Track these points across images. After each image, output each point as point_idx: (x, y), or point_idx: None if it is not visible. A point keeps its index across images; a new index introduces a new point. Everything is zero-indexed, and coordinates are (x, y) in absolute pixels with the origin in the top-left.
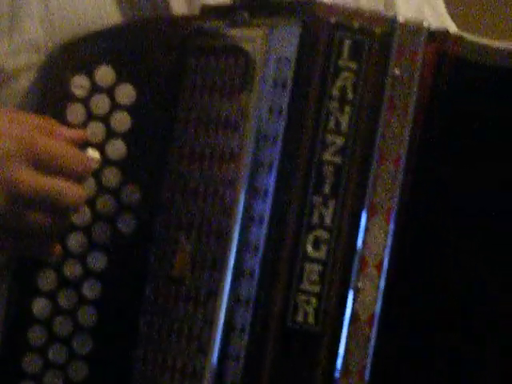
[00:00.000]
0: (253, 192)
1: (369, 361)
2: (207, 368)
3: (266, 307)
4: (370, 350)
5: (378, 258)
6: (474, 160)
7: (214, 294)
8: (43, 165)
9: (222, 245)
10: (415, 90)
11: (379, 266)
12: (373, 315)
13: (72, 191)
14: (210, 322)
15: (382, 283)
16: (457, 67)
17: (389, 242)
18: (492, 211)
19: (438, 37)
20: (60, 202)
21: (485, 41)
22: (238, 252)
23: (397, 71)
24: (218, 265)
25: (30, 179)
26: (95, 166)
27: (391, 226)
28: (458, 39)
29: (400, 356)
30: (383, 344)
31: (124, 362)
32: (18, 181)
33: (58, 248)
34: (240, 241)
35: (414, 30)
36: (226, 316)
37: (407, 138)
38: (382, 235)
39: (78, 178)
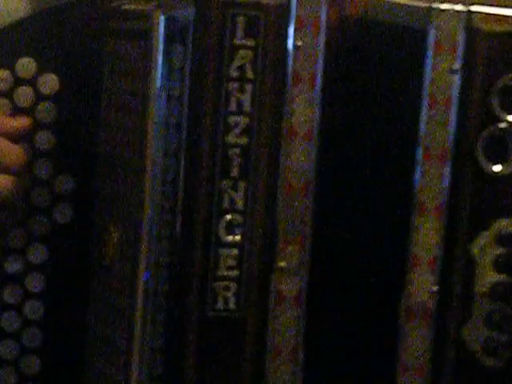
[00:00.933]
0: (161, 182)
1: (300, 339)
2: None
3: (183, 299)
4: (301, 328)
5: (300, 234)
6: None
7: (132, 287)
8: None
9: (139, 237)
10: (321, 59)
11: (302, 243)
12: (300, 292)
13: (12, 185)
14: (131, 316)
15: (306, 258)
16: (358, 28)
17: (308, 216)
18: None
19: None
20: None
21: None
22: (153, 243)
23: (299, 42)
24: (137, 257)
25: None
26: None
27: (309, 200)
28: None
29: (331, 328)
30: (312, 317)
31: (75, 353)
32: None
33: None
34: (154, 232)
35: None
36: (144, 311)
37: (317, 109)
38: (300, 211)
39: (13, 172)
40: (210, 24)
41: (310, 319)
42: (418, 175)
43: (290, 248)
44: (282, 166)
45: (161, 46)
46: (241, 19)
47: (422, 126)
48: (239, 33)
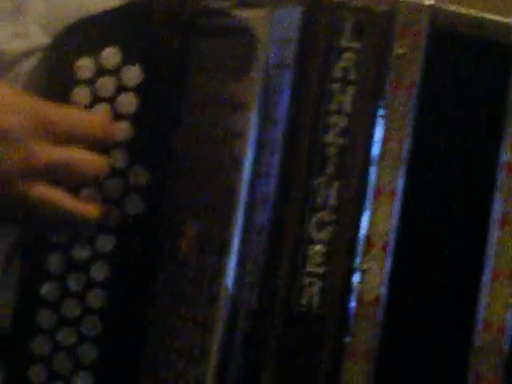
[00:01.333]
0: (256, 175)
1: (376, 343)
2: (212, 354)
3: (271, 291)
4: (377, 332)
5: (384, 239)
6: None
7: (218, 278)
8: (59, 136)
9: (227, 229)
10: (420, 68)
11: (385, 247)
12: (379, 296)
13: (92, 161)
14: (215, 307)
15: (388, 264)
16: (453, 42)
17: (394, 222)
18: None
19: (436, 13)
20: (80, 173)
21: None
22: (242, 235)
23: (400, 50)
24: (223, 249)
25: (47, 153)
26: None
27: (396, 207)
28: (455, 14)
29: (408, 336)
30: (390, 325)
31: (135, 345)
32: (35, 156)
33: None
34: (244, 224)
35: (416, 7)
36: (230, 302)
37: (412, 116)
38: (388, 216)
39: (101, 144)
40: (319, 24)
41: (388, 322)
42: None
43: (373, 251)
44: (374, 170)
45: (268, 44)
46: (349, 22)
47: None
48: (346, 35)
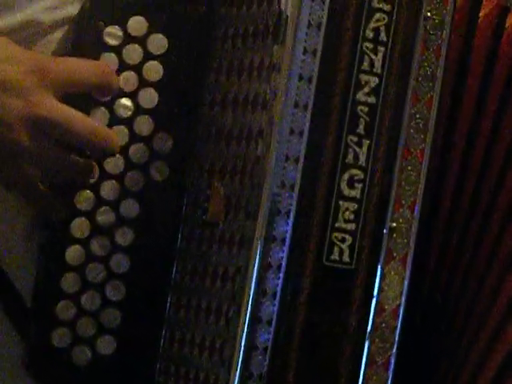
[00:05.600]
0: (288, 133)
1: (403, 300)
2: (243, 306)
3: (302, 245)
4: (404, 289)
5: (412, 199)
6: None
7: (249, 235)
8: (60, 85)
9: (256, 186)
10: (446, 32)
11: (412, 207)
12: (406, 254)
13: (93, 128)
14: (246, 262)
15: (415, 224)
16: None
17: (422, 182)
18: None
19: None
20: (77, 134)
21: None
22: (273, 193)
23: (429, 13)
24: (253, 207)
25: (53, 104)
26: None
27: (424, 167)
28: None
29: (431, 290)
30: (416, 283)
31: (157, 308)
32: (35, 105)
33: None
34: (275, 181)
35: None
36: (260, 255)
37: (440, 78)
38: (415, 176)
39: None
40: None
41: (414, 280)
42: None
43: (401, 210)
44: (403, 131)
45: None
46: None
47: None
48: None
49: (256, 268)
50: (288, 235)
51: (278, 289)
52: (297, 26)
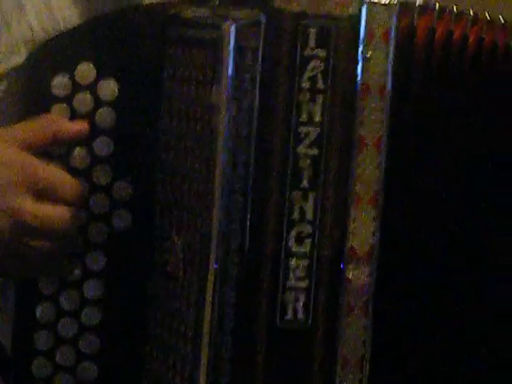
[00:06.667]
0: (230, 192)
1: (368, 349)
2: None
3: (252, 309)
4: (368, 339)
5: (368, 246)
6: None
7: (199, 296)
8: (43, 192)
9: (206, 245)
10: (390, 70)
11: (370, 254)
12: (367, 303)
13: (72, 217)
14: (200, 326)
15: (374, 270)
16: (428, 40)
17: (376, 226)
18: None
19: (405, 11)
20: (60, 227)
21: None
22: (221, 255)
23: (368, 53)
24: (204, 266)
25: (33, 208)
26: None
27: (377, 213)
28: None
29: (398, 342)
30: (379, 332)
31: (133, 360)
32: (22, 210)
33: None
34: (221, 242)
35: (383, 7)
36: (212, 327)
37: (386, 120)
38: (369, 223)
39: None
40: (282, 35)
41: (377, 329)
42: None
43: (357, 260)
44: (351, 177)
45: (231, 56)
46: (312, 30)
47: None
48: (311, 44)
49: (207, 332)
50: (236, 301)
51: (231, 356)
52: (230, 78)
